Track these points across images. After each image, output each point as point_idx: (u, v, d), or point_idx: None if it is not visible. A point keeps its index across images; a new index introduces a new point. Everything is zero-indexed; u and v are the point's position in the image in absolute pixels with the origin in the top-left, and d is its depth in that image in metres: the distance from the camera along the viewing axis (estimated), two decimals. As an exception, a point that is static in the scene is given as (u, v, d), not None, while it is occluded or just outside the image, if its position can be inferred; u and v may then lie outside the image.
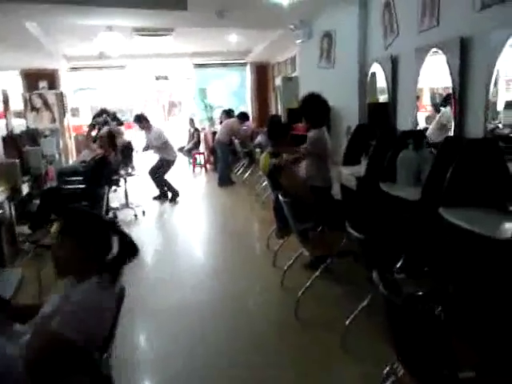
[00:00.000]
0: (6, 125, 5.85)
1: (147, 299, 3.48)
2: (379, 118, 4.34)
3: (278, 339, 2.86)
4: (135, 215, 6.08)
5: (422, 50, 3.51)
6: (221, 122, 9.85)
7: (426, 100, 4.01)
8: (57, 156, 7.74)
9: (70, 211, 1.73)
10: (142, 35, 6.79)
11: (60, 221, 1.72)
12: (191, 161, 10.27)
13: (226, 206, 6.86)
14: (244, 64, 10.87)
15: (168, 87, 17.56)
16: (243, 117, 8.26)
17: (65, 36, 6.58)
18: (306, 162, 3.78)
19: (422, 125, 3.82)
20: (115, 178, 6.21)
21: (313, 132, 3.72)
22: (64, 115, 9.51)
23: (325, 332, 2.87)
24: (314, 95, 3.74)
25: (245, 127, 9.19)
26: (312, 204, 3.43)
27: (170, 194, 6.99)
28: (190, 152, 10.25)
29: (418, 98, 3.82)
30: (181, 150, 10.62)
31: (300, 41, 5.44)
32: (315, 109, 3.72)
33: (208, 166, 10.12)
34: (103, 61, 9.61)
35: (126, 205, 6.29)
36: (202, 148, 10.49)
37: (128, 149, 6.76)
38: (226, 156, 8.02)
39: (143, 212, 6.24)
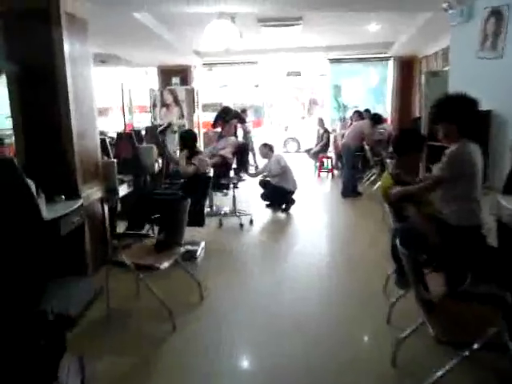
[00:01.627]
0: (124, 121, 5.77)
1: (223, 338, 2.79)
2: None
3: None
4: (241, 224, 5.50)
5: None
6: (350, 124, 8.85)
7: None
8: (177, 152, 7.64)
9: None
10: (268, 26, 6.18)
11: None
12: (317, 165, 9.44)
13: (346, 222, 5.88)
14: (385, 58, 9.59)
15: (308, 84, 16.96)
16: (377, 119, 7.09)
17: (184, 28, 6.30)
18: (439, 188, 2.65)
19: None
20: (224, 182, 5.73)
21: (453, 147, 2.56)
22: (194, 111, 9.50)
23: None
24: (458, 94, 2.60)
25: (381, 130, 8.03)
26: (446, 255, 2.34)
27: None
28: (317, 155, 9.43)
29: None
30: (307, 152, 9.89)
31: (455, 23, 4.17)
32: (460, 112, 2.53)
33: (335, 171, 9.17)
34: (234, 56, 9.33)
35: (233, 212, 5.76)
36: (330, 151, 9.61)
37: (242, 150, 6.21)
38: (352, 163, 6.99)
39: (251, 221, 5.64)
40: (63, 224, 3.07)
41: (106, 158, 4.53)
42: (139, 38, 5.82)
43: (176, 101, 8.89)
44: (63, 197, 3.39)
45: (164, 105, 8.92)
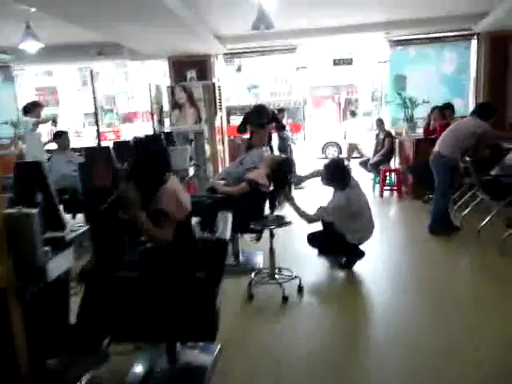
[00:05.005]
0: (98, 132, 3.68)
1: None
2: None
3: None
4: (284, 297, 3.29)
5: None
6: (428, 125, 6.54)
7: None
8: (191, 170, 5.54)
9: None
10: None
11: None
12: (378, 179, 7.14)
13: (446, 283, 3.57)
14: (468, 37, 7.20)
15: (349, 77, 14.48)
16: (488, 113, 4.58)
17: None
18: None
19: None
20: (255, 227, 3.52)
21: None
22: (215, 113, 7.38)
23: None
24: None
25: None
26: None
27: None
28: (377, 166, 7.12)
29: None
30: (363, 164, 7.59)
31: None
32: None
33: (403, 189, 6.85)
34: (267, 41, 7.18)
35: (272, 274, 3.54)
36: (394, 162, 7.32)
37: (282, 169, 3.97)
38: (449, 181, 4.66)
39: (299, 288, 3.44)
40: None
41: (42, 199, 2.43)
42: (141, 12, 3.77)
43: (191, 100, 6.79)
44: None
45: (176, 106, 6.84)
